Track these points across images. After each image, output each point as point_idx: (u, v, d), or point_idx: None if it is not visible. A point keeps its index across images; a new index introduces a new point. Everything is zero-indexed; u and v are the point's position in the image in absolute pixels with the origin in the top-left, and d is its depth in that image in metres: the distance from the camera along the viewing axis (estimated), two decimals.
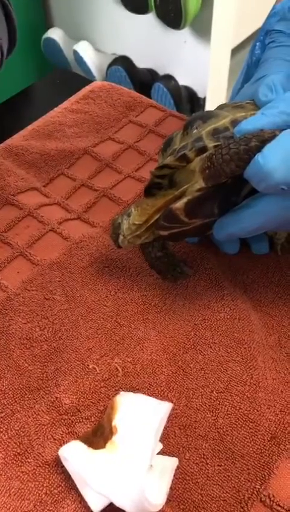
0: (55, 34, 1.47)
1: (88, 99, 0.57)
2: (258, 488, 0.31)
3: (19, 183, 0.48)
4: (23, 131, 0.54)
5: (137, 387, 0.35)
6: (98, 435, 0.31)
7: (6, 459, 0.32)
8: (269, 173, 0.30)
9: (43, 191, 0.48)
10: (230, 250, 0.40)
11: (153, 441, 0.29)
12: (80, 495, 0.30)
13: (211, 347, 0.37)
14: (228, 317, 0.38)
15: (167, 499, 0.30)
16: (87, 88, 0.58)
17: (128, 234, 0.37)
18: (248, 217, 0.34)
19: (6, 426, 0.33)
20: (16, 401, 0.34)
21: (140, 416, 0.30)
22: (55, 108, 0.56)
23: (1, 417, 0.33)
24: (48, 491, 0.31)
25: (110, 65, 1.43)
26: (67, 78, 0.64)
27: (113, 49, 1.48)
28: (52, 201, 0.47)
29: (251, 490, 0.30)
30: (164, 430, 0.32)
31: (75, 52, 1.47)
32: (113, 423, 0.31)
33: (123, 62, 1.43)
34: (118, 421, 0.31)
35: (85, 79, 0.64)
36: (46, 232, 0.44)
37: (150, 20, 1.29)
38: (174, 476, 0.31)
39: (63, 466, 0.31)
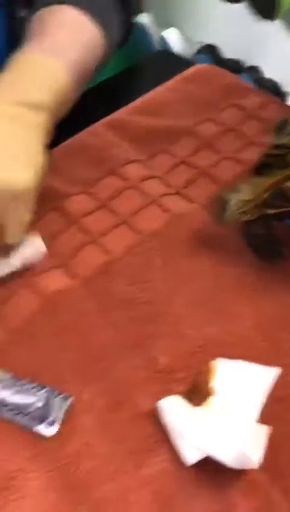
0: (144, 19, 1.49)
1: (192, 80, 0.58)
2: None
3: (123, 155, 0.50)
4: (128, 107, 0.56)
5: (231, 358, 0.36)
6: (195, 395, 0.33)
7: (106, 405, 0.34)
8: None
9: (146, 164, 0.50)
10: None
11: (254, 404, 0.30)
12: (172, 447, 0.32)
13: None
14: None
15: (260, 464, 0.31)
16: (191, 70, 0.60)
17: (235, 210, 0.38)
18: None
19: (106, 375, 0.35)
20: (115, 355, 0.36)
21: (244, 379, 0.31)
22: (159, 87, 0.58)
23: (102, 367, 0.36)
24: (141, 440, 0.33)
25: (196, 53, 1.43)
26: (171, 59, 0.66)
27: (200, 37, 1.48)
28: (153, 174, 0.49)
29: None
30: None
31: (162, 39, 1.49)
32: (210, 384, 0.32)
33: (210, 50, 1.43)
34: (216, 383, 0.32)
35: (188, 61, 0.65)
36: (149, 203, 0.46)
37: (241, 9, 1.28)
38: (268, 445, 0.32)
39: (157, 418, 0.33)
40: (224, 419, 0.30)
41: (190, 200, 0.47)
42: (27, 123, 0.39)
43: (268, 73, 1.35)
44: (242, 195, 0.38)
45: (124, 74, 0.62)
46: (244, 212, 0.38)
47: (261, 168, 0.39)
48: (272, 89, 1.38)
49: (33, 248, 0.41)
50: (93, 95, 0.62)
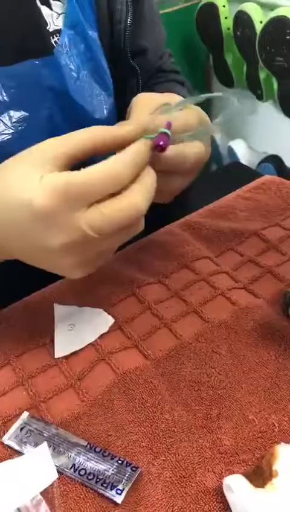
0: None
1: (259, 189, 0.65)
2: None
3: (195, 252, 0.56)
4: (201, 210, 0.63)
5: None
6: (258, 477, 0.35)
7: (172, 479, 0.36)
8: None
9: (215, 261, 0.55)
10: None
11: None
12: None
13: None
14: None
15: None
16: (260, 180, 0.67)
17: None
18: None
19: (174, 451, 0.38)
20: (183, 432, 0.39)
21: None
22: (230, 194, 0.65)
23: (171, 442, 0.38)
24: None
25: (261, 162, 1.54)
26: (240, 170, 0.73)
27: (265, 147, 1.60)
28: (222, 270, 0.54)
29: None
30: None
31: (230, 148, 1.62)
32: (274, 467, 0.34)
33: (274, 160, 1.54)
34: (278, 466, 0.34)
35: (256, 172, 0.72)
36: (217, 295, 0.51)
37: None
38: None
39: (223, 496, 0.35)
40: (283, 501, 0.32)
41: (256, 295, 0.51)
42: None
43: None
44: None
45: (195, 184, 0.70)
46: None
47: None
48: None
49: (102, 320, 0.47)
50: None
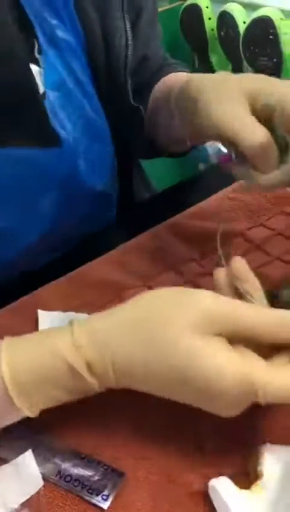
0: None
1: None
2: None
3: (181, 254, 0.56)
4: (186, 212, 0.63)
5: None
6: (244, 478, 0.35)
7: (159, 482, 0.36)
8: None
9: (201, 262, 0.55)
10: None
11: None
12: None
13: None
14: None
15: None
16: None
17: (286, 302, 0.42)
18: None
19: (160, 455, 0.38)
20: (170, 436, 0.39)
21: (284, 464, 0.33)
22: (215, 195, 0.65)
23: (158, 447, 0.38)
24: None
25: None
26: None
27: None
28: (208, 271, 0.54)
29: None
30: None
31: (218, 148, 1.62)
32: (259, 468, 0.34)
33: None
34: (263, 467, 0.34)
35: None
36: None
37: None
38: None
39: (209, 499, 0.35)
40: (270, 503, 0.32)
41: None
42: None
43: None
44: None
45: (182, 185, 0.70)
46: None
47: None
48: None
49: None
50: (155, 202, 0.70)
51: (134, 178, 0.71)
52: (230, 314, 0.33)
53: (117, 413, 0.41)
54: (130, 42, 0.55)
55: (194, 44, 1.52)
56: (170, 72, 0.63)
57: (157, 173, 0.80)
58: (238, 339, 0.34)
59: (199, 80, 0.47)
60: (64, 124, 0.51)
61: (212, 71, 1.52)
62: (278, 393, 0.32)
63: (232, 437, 0.39)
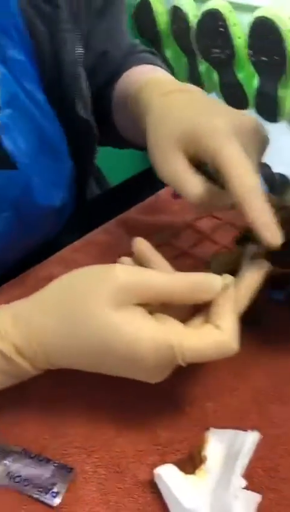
0: None
1: None
2: None
3: (130, 249, 0.56)
4: (136, 207, 0.63)
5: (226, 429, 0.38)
6: (189, 464, 0.35)
7: (107, 475, 0.37)
8: None
9: None
10: None
11: (239, 467, 0.32)
12: None
13: None
14: None
15: None
16: None
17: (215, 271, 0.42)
18: None
19: (109, 447, 0.38)
20: (118, 428, 0.39)
21: (227, 446, 0.34)
22: (163, 189, 0.65)
23: (105, 439, 0.39)
24: (141, 508, 0.35)
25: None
26: None
27: None
28: None
29: None
30: (247, 470, 0.36)
31: None
32: (203, 453, 0.35)
33: None
34: (207, 451, 0.35)
35: None
36: None
37: (249, 114, 1.41)
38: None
39: (156, 488, 0.35)
40: (213, 485, 0.33)
41: None
42: None
43: (276, 168, 1.45)
44: (221, 259, 0.43)
45: (141, 175, 0.70)
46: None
47: (241, 241, 0.44)
48: (281, 182, 1.48)
49: None
50: (107, 198, 0.70)
51: (89, 178, 0.71)
52: (143, 283, 0.35)
53: (64, 409, 0.41)
54: (80, 56, 0.55)
55: (148, 40, 1.52)
56: (133, 64, 0.62)
57: (111, 167, 0.80)
58: (157, 306, 0.36)
59: (148, 97, 0.48)
60: (18, 143, 0.50)
61: (168, 65, 1.53)
62: (195, 353, 0.34)
63: (182, 426, 0.39)
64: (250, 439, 0.33)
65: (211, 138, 0.39)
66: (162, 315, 0.36)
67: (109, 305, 0.34)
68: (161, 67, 0.62)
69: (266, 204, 0.37)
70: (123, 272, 0.35)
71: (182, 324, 0.36)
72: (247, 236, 0.44)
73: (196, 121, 0.41)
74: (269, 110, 1.35)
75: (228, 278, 0.38)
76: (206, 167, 0.41)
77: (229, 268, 0.40)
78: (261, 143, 0.42)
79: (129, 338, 0.34)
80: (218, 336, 0.35)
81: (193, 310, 0.38)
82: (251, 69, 1.30)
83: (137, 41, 0.69)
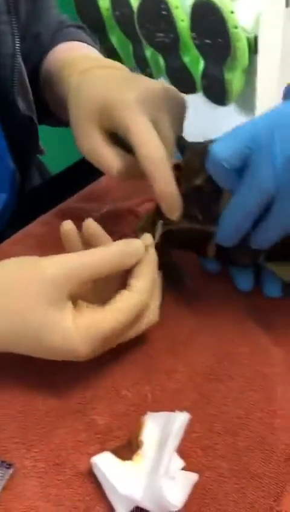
0: None
1: None
2: (272, 504, 0.33)
3: None
4: (75, 196, 0.62)
5: (164, 411, 0.38)
6: (127, 450, 0.35)
7: (46, 469, 0.36)
8: (214, 153, 0.35)
9: None
10: (244, 286, 0.45)
11: (170, 448, 0.32)
12: (109, 503, 0.34)
13: (232, 378, 0.40)
14: (250, 351, 0.42)
15: (187, 511, 0.33)
16: None
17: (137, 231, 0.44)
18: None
19: (47, 440, 0.38)
20: (57, 420, 0.39)
21: (161, 429, 0.34)
22: (104, 177, 0.65)
23: (44, 432, 0.38)
24: (81, 498, 0.34)
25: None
26: None
27: None
28: None
29: (265, 506, 0.33)
30: (186, 450, 0.36)
31: None
32: (140, 438, 0.35)
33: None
34: (143, 436, 0.35)
35: None
36: None
37: (198, 98, 1.41)
38: (195, 491, 0.34)
39: (95, 476, 0.35)
40: (147, 469, 0.33)
41: None
42: None
43: None
44: (144, 220, 0.45)
45: (74, 167, 0.69)
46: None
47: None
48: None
49: None
50: (48, 188, 0.69)
51: (31, 171, 0.69)
52: (72, 272, 0.36)
53: (2, 404, 0.40)
54: (17, 49, 0.53)
55: (92, 27, 1.50)
56: (60, 41, 0.62)
57: (51, 156, 0.79)
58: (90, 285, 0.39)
59: (68, 76, 0.49)
60: None
61: (114, 51, 1.51)
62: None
63: (121, 412, 0.39)
64: (180, 419, 0.33)
65: (120, 113, 0.40)
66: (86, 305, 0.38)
67: (39, 302, 0.35)
68: (87, 42, 0.62)
69: (169, 176, 0.39)
70: (49, 266, 0.36)
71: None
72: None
73: (108, 96, 0.42)
74: (217, 94, 1.35)
75: (147, 239, 0.40)
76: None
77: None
78: (177, 109, 0.44)
79: (62, 337, 0.36)
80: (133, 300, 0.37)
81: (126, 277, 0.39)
82: (196, 52, 1.30)
83: (64, 16, 0.68)
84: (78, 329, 0.36)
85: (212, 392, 0.39)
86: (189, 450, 0.36)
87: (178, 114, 0.44)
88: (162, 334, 0.44)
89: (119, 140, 0.44)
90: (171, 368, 0.41)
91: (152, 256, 0.39)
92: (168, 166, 0.40)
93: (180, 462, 0.35)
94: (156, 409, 0.39)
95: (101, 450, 0.37)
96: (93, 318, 0.36)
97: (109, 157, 0.42)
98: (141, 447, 0.34)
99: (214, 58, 1.27)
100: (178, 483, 0.32)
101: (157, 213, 0.44)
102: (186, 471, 0.34)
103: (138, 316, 0.38)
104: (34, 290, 0.35)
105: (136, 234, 0.44)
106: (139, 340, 0.44)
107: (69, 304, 0.37)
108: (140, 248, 0.38)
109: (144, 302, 0.38)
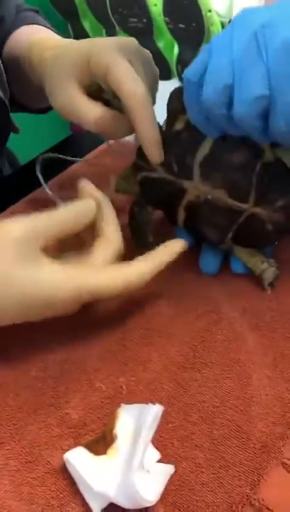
0: None
1: (105, 153, 0.64)
2: (249, 493, 0.32)
3: None
4: (47, 185, 0.60)
5: (139, 403, 0.37)
6: (101, 443, 0.34)
7: (18, 467, 0.35)
8: (184, 76, 0.36)
9: None
10: (208, 268, 0.45)
11: (143, 441, 0.31)
12: (83, 498, 0.33)
13: (208, 366, 0.39)
14: (225, 338, 0.41)
15: (164, 503, 0.32)
16: (108, 143, 0.65)
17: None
18: None
19: (19, 437, 0.36)
20: (29, 415, 0.38)
21: (135, 422, 0.33)
22: (75, 164, 0.63)
23: (15, 429, 0.37)
24: (55, 495, 0.33)
25: None
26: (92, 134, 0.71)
27: None
28: None
29: (242, 495, 0.32)
30: (162, 441, 0.35)
31: None
32: (114, 432, 0.34)
33: None
34: (117, 429, 0.34)
35: None
36: None
37: (173, 85, 1.40)
38: (171, 483, 0.33)
39: (69, 472, 0.34)
40: (121, 464, 0.32)
41: None
42: None
43: None
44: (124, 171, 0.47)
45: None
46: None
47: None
48: None
49: None
50: (18, 177, 0.67)
51: (1, 160, 0.67)
52: (39, 230, 0.37)
53: None
54: None
55: (65, 13, 1.47)
56: (21, 25, 0.61)
57: (20, 145, 0.77)
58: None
59: (39, 54, 0.49)
60: None
61: (87, 37, 1.48)
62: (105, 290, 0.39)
63: (95, 404, 0.38)
64: (154, 411, 0.32)
65: (100, 56, 0.41)
66: (71, 261, 0.40)
67: (15, 262, 0.36)
68: (45, 26, 0.61)
69: (152, 115, 0.41)
70: (15, 225, 0.37)
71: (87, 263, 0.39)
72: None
73: (85, 50, 0.43)
74: (162, 69, 1.33)
75: (97, 194, 0.42)
76: (103, 95, 0.44)
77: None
78: (146, 61, 0.45)
79: (48, 293, 0.37)
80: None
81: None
82: (170, 37, 1.28)
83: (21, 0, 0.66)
84: (62, 271, 0.37)
85: (188, 381, 0.39)
86: (165, 441, 0.35)
87: (152, 77, 0.45)
88: (136, 324, 0.43)
89: (100, 100, 0.45)
90: (146, 358, 0.40)
91: (108, 212, 0.42)
92: (151, 105, 0.40)
93: (156, 454, 0.34)
94: (131, 401, 0.38)
95: (75, 444, 0.36)
96: (73, 264, 0.38)
97: (86, 108, 0.42)
98: (115, 441, 0.33)
99: (188, 42, 1.26)
100: (153, 477, 0.32)
101: (138, 159, 0.45)
102: (162, 464, 0.34)
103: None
104: (6, 251, 0.36)
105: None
106: (113, 331, 0.43)
107: (45, 258, 0.37)
108: (91, 205, 0.40)
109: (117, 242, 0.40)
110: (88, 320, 0.44)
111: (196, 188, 0.42)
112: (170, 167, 0.42)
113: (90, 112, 0.42)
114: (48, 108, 0.66)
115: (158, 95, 0.48)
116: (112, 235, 0.40)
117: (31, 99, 0.63)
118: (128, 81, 0.40)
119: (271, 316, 0.43)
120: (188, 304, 0.44)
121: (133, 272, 0.39)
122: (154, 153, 0.42)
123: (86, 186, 0.43)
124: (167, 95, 0.45)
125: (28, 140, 0.91)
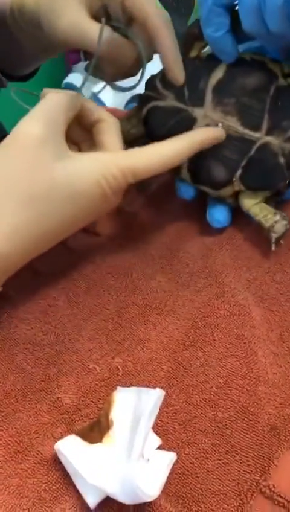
0: (74, 79, 1.54)
1: None
2: (258, 480, 0.30)
3: None
4: None
5: (137, 385, 0.35)
6: (96, 430, 0.31)
7: (6, 457, 0.32)
8: None
9: None
10: (218, 218, 0.43)
11: (143, 430, 0.28)
12: (78, 491, 0.30)
13: (210, 344, 0.37)
14: (228, 313, 0.38)
15: (166, 493, 0.29)
16: None
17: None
18: None
19: (7, 425, 0.33)
20: (18, 401, 0.35)
21: (133, 407, 0.30)
22: None
23: (2, 416, 0.34)
24: (46, 488, 0.31)
25: (128, 102, 1.49)
26: None
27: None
28: None
29: (251, 482, 0.30)
30: (163, 426, 0.32)
31: (94, 94, 1.54)
32: (110, 417, 0.31)
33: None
34: (114, 414, 0.31)
35: None
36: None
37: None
38: (174, 471, 0.30)
39: (61, 464, 0.31)
40: (118, 453, 0.29)
41: (96, 234, 0.47)
42: None
43: None
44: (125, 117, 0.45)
45: None
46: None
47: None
48: None
49: None
50: None
51: None
52: (53, 119, 0.36)
53: None
54: None
55: None
56: None
57: (10, 115, 0.72)
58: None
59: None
60: None
61: None
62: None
63: (89, 387, 0.35)
64: (155, 396, 0.29)
65: None
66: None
67: (52, 162, 0.34)
68: None
69: (175, 38, 0.39)
70: (32, 125, 0.35)
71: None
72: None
73: None
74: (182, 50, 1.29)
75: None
76: (111, 22, 0.41)
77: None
78: None
79: (96, 176, 0.35)
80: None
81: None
82: (160, 6, 1.23)
83: None
84: (101, 156, 0.36)
85: (189, 360, 0.36)
86: (166, 426, 0.33)
87: None
88: (133, 301, 0.40)
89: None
90: (143, 337, 0.37)
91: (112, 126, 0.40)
92: (172, 27, 0.40)
93: (156, 440, 0.31)
94: (128, 383, 0.35)
95: (68, 432, 0.33)
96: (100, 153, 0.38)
97: (94, 30, 0.40)
98: (111, 427, 0.30)
99: (178, 14, 1.21)
100: (154, 467, 0.29)
101: (146, 90, 0.43)
102: (163, 451, 0.31)
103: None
104: (39, 153, 0.34)
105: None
106: (107, 307, 0.40)
107: (72, 151, 0.36)
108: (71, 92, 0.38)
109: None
110: (80, 297, 0.41)
111: (206, 116, 0.41)
112: (180, 94, 0.41)
113: (97, 35, 0.40)
114: (29, 75, 0.62)
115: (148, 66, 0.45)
116: (104, 114, 0.39)
117: (12, 62, 0.59)
118: (152, 2, 0.40)
119: (276, 288, 0.40)
120: (187, 278, 0.41)
121: (170, 147, 0.37)
122: (178, 71, 0.40)
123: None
124: (158, 66, 0.43)
125: (17, 109, 0.87)
